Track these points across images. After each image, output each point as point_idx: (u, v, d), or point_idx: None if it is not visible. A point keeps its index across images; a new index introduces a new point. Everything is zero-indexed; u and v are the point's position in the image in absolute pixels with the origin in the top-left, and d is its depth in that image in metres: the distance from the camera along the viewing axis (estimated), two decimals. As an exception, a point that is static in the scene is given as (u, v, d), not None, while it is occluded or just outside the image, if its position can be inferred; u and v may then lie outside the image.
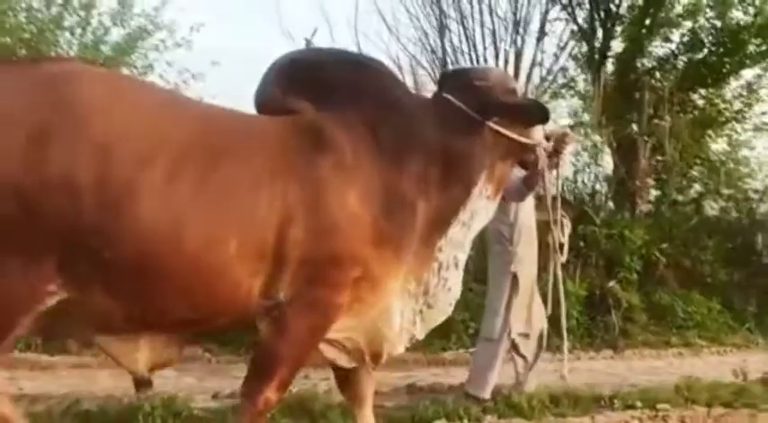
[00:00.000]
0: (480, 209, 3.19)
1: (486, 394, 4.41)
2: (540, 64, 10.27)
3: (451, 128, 3.09)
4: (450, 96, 3.18)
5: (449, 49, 10.47)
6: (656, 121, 9.05)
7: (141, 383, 2.85)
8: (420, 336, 3.19)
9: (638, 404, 4.55)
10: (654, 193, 8.92)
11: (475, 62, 10.04)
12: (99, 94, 2.49)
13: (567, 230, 4.53)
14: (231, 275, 2.61)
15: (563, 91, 10.68)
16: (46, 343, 5.26)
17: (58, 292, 2.41)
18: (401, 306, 3.04)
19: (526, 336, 4.57)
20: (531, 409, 4.30)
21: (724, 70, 9.67)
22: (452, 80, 3.38)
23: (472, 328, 6.04)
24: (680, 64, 9.84)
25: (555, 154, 3.90)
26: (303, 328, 2.78)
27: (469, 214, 3.14)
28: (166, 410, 3.84)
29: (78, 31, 8.90)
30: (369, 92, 3.05)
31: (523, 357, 4.64)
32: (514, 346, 4.58)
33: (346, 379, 3.23)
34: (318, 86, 2.98)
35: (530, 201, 4.47)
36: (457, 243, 3.14)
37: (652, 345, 6.37)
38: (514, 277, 4.46)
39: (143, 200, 2.43)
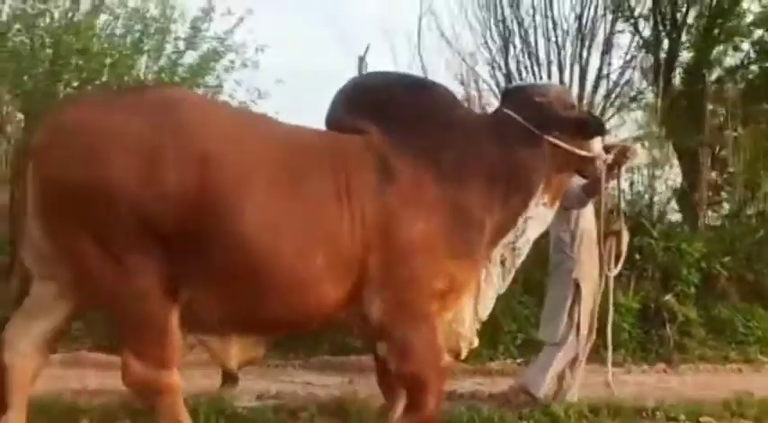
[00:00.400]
0: (537, 216, 3.38)
1: (540, 394, 4.42)
2: (608, 76, 10.20)
3: (512, 142, 3.28)
4: (510, 112, 3.37)
5: (512, 65, 10.48)
6: (727, 131, 8.82)
7: (229, 378, 3.15)
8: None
9: (682, 417, 4.46)
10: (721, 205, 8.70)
11: (539, 77, 10.04)
12: (200, 116, 2.80)
13: (626, 240, 4.56)
14: (320, 285, 2.86)
15: (629, 103, 10.52)
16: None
17: (181, 292, 2.72)
18: (468, 304, 3.30)
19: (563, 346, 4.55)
20: (568, 418, 4.29)
21: (798, 80, 9.33)
22: (513, 96, 3.57)
23: (520, 338, 6.07)
24: (750, 74, 9.56)
25: (615, 166, 3.98)
26: (420, 347, 3.05)
27: (523, 219, 3.33)
28: (211, 408, 4.05)
29: (154, 55, 9.51)
30: (431, 114, 3.25)
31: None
32: None
33: (387, 372, 3.39)
34: (383, 109, 3.19)
35: (590, 207, 4.53)
36: (505, 243, 3.33)
37: (709, 359, 6.18)
38: (577, 284, 4.48)
39: (242, 212, 2.70)
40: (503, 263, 3.37)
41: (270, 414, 4.16)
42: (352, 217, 2.88)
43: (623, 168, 4.11)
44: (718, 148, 9.09)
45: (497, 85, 10.23)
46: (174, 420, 2.83)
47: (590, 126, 3.47)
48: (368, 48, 6.57)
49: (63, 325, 2.97)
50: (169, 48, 9.60)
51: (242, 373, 5.06)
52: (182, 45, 9.62)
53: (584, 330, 4.48)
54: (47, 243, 2.75)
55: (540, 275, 5.45)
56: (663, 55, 9.90)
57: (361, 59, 6.52)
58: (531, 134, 3.30)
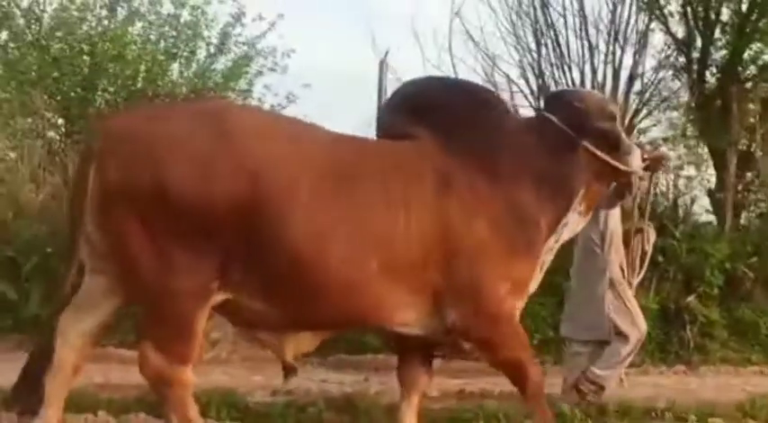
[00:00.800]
0: (571, 222, 3.43)
1: (608, 384, 4.50)
2: (641, 75, 10.07)
3: (553, 146, 3.34)
4: (550, 116, 3.44)
5: (545, 65, 10.39)
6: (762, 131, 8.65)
7: (289, 370, 3.33)
8: None
9: (692, 417, 4.43)
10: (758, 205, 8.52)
11: (570, 77, 9.97)
12: (248, 124, 2.97)
13: (652, 239, 4.62)
14: (375, 290, 2.96)
15: (662, 103, 10.36)
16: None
17: (220, 292, 2.86)
18: None
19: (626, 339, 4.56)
20: (574, 416, 4.31)
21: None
22: (554, 100, 3.70)
23: (536, 338, 6.07)
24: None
25: (649, 171, 4.02)
26: (505, 339, 3.21)
27: (563, 223, 3.38)
28: (222, 402, 4.20)
29: (186, 61, 9.78)
30: (479, 115, 3.33)
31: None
32: None
33: (407, 365, 3.51)
34: (432, 112, 3.26)
35: (617, 208, 4.56)
36: (547, 249, 3.38)
37: (731, 361, 6.11)
38: (611, 282, 4.53)
39: (290, 218, 2.81)
40: (541, 268, 3.40)
41: (280, 409, 4.28)
42: (409, 223, 2.96)
43: (656, 175, 4.15)
44: (753, 148, 8.91)
45: (528, 86, 10.20)
46: (183, 413, 2.97)
47: (613, 140, 3.47)
48: (387, 51, 6.63)
49: (109, 320, 3.13)
50: (201, 53, 9.88)
51: (259, 371, 5.27)
52: (213, 50, 9.89)
53: (623, 325, 4.51)
54: (99, 237, 2.92)
55: (557, 278, 5.43)
56: (696, 54, 9.73)
57: (382, 62, 6.58)
58: (570, 139, 3.36)
